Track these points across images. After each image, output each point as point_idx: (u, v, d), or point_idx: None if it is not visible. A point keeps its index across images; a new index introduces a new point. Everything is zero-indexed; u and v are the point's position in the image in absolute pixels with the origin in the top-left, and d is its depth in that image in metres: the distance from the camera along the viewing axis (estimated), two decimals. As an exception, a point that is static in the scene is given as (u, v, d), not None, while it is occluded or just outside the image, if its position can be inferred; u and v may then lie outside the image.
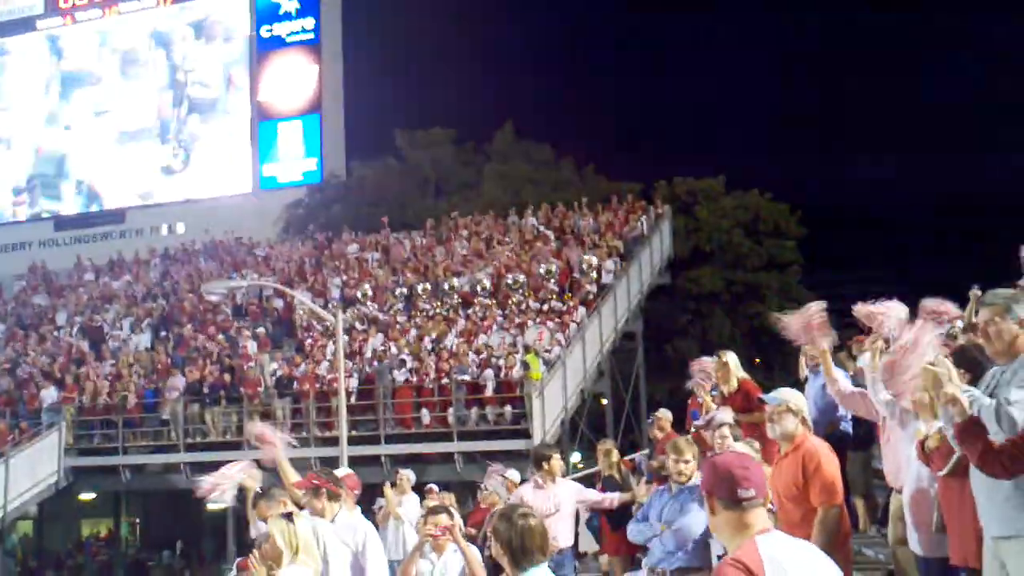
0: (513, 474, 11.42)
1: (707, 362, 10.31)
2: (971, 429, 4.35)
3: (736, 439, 7.54)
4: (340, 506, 6.60)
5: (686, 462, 6.90)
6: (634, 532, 7.17)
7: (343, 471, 7.57)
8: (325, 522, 6.32)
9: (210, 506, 25.78)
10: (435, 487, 12.50)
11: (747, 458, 3.36)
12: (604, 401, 25.37)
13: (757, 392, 8.92)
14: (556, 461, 8.64)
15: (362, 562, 6.40)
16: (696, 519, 6.56)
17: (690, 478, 6.84)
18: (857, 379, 8.21)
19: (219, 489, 7.51)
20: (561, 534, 8.32)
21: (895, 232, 43.37)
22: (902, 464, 6.39)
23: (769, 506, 5.76)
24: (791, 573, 3.04)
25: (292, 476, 7.36)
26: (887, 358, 5.79)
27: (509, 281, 24.63)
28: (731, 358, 9.38)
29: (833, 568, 3.19)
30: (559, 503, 8.42)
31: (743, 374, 9.35)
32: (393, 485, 12.79)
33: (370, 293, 25.79)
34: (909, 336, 5.49)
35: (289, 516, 5.82)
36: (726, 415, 8.26)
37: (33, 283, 34.23)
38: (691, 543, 6.64)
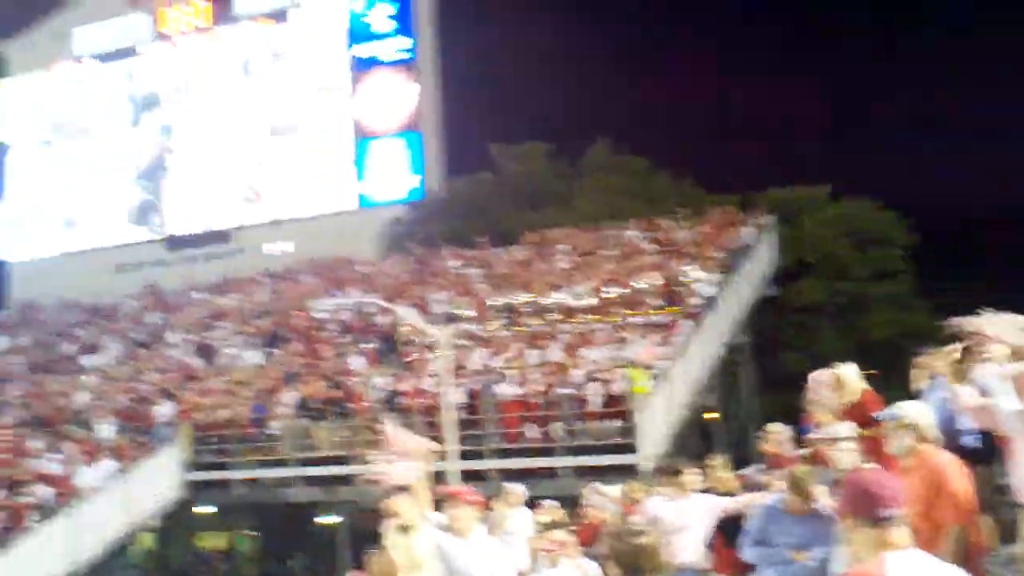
0: (613, 490, 11.27)
1: (824, 375, 10.13)
2: None
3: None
4: (477, 524, 6.66)
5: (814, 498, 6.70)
6: (754, 556, 6.91)
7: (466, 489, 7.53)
8: (457, 539, 6.31)
9: (320, 520, 26.31)
10: (549, 501, 12.45)
11: (885, 473, 3.29)
12: (712, 415, 25.08)
13: (877, 406, 8.71)
14: (688, 475, 8.53)
15: None
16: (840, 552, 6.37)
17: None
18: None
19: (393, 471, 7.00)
20: (686, 550, 8.20)
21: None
22: None
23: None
24: None
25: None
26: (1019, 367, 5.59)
27: (609, 294, 24.61)
28: (848, 371, 9.16)
29: None
30: (690, 518, 8.29)
31: (863, 386, 9.12)
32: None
33: (471, 308, 26.01)
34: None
35: (406, 530, 5.83)
36: (847, 429, 8.07)
37: (147, 302, 35.35)
38: None
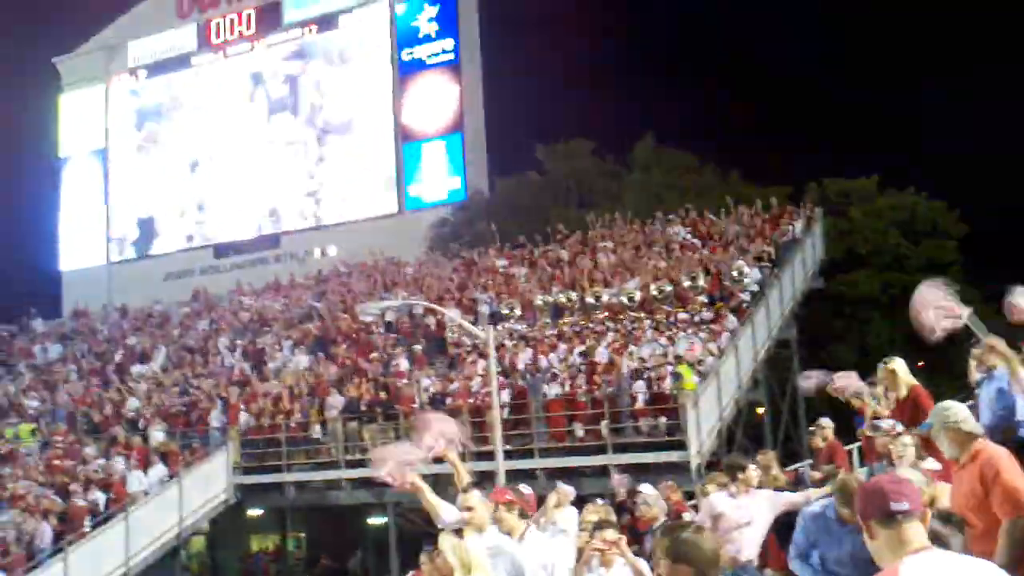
0: (649, 489, 11.03)
1: (853, 379, 9.95)
2: None
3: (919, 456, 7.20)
4: (529, 525, 6.56)
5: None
6: (801, 570, 6.50)
7: (524, 489, 7.42)
8: (512, 540, 6.25)
9: (369, 521, 26.40)
10: (599, 500, 12.34)
11: (897, 476, 3.21)
12: (761, 410, 24.78)
13: (929, 403, 8.47)
14: (752, 471, 8.45)
15: None
16: None
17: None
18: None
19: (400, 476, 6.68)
20: (747, 546, 8.13)
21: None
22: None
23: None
24: None
25: (465, 480, 6.92)
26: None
27: (655, 292, 24.43)
28: (899, 364, 8.94)
29: None
30: (753, 514, 8.21)
31: (913, 380, 8.90)
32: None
33: (518, 308, 25.96)
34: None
35: (459, 532, 5.80)
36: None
37: (196, 309, 35.75)
38: None
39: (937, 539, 4.08)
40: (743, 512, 8.06)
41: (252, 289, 36.28)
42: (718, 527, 8.00)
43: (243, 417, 25.18)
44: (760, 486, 9.93)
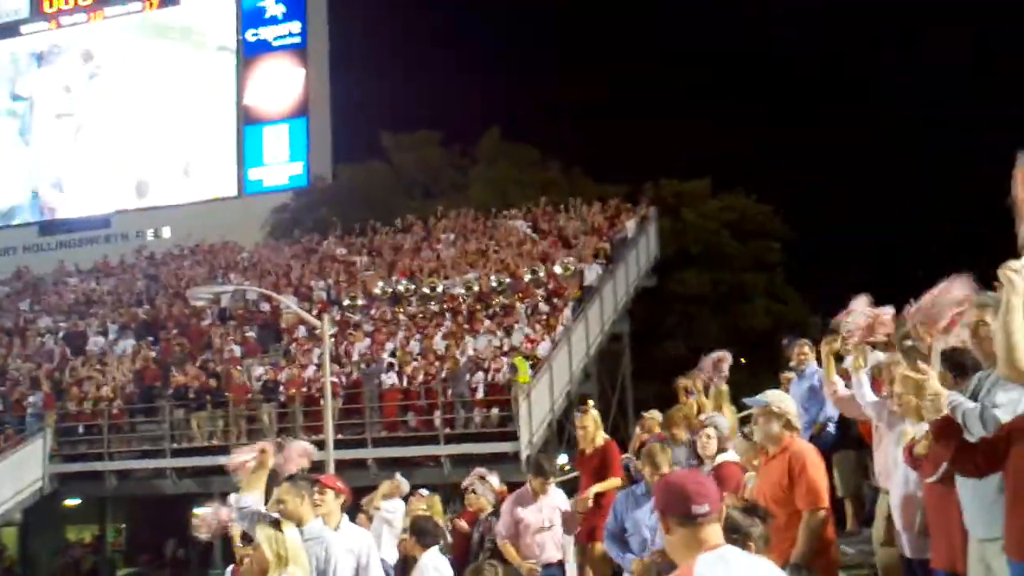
0: (494, 479, 11.22)
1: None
2: (946, 428, 4.33)
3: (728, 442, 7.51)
4: (344, 513, 6.53)
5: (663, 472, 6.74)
6: (614, 554, 7.06)
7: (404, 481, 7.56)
8: (329, 529, 6.22)
9: (197, 511, 25.63)
10: (424, 491, 12.38)
11: (700, 474, 3.33)
12: (590, 403, 25.34)
13: (617, 459, 8.94)
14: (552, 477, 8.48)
15: (361, 572, 6.30)
16: None
17: None
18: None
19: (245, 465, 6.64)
20: (549, 549, 8.15)
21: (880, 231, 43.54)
22: (890, 466, 6.38)
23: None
24: None
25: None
26: (915, 311, 5.55)
27: (495, 284, 24.67)
28: (594, 415, 9.22)
29: None
30: (552, 516, 8.21)
31: (604, 436, 9.14)
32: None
33: (356, 296, 25.75)
34: (942, 285, 5.34)
35: (277, 523, 5.71)
36: (721, 420, 8.16)
37: (17, 288, 34.05)
38: None
39: (738, 530, 4.24)
40: (543, 515, 8.09)
41: (78, 270, 34.78)
42: (519, 533, 8.07)
43: (64, 403, 24.12)
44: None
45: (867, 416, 7.12)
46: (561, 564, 8.35)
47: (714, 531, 3.13)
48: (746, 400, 6.65)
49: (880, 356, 8.82)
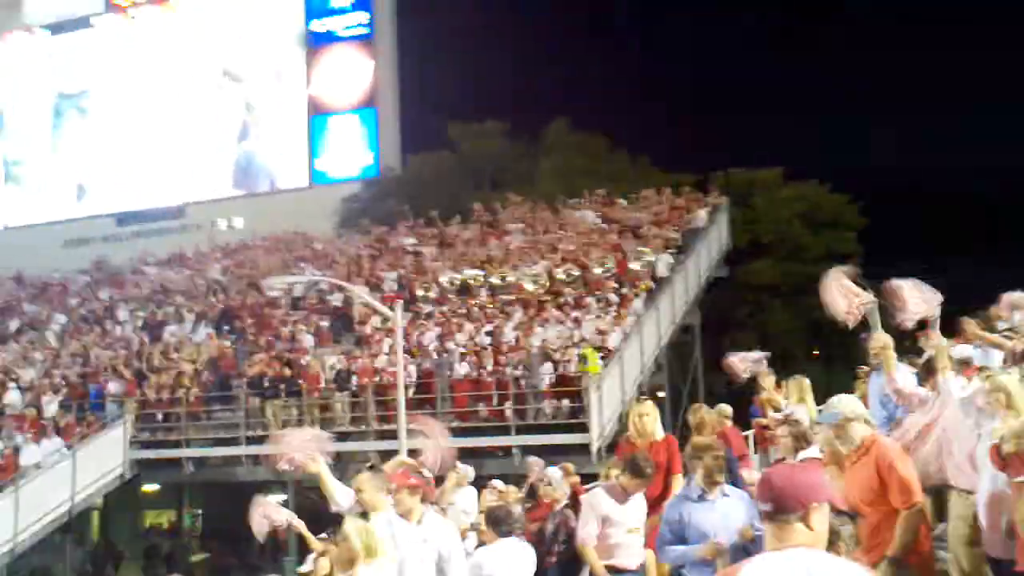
0: (553, 471, 11.00)
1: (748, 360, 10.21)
2: None
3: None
4: (428, 507, 6.55)
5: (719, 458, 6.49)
6: (672, 556, 6.41)
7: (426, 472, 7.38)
8: (404, 522, 6.22)
9: (270, 498, 26.05)
10: (497, 482, 12.36)
11: (804, 469, 3.25)
12: (662, 395, 25.21)
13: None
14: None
15: (444, 566, 6.27)
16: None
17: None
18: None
19: (295, 460, 6.91)
20: (638, 552, 7.54)
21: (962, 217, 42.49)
22: (977, 464, 6.25)
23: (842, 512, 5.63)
24: None
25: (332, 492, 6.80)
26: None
27: (563, 275, 24.61)
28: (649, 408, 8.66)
29: None
30: (640, 516, 7.55)
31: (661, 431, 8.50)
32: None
33: (426, 287, 25.89)
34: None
35: (365, 515, 5.78)
36: (801, 412, 8.03)
37: (97, 278, 34.83)
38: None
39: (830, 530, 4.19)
40: (634, 516, 7.49)
41: (155, 260, 35.48)
42: (605, 531, 7.40)
43: (143, 391, 24.64)
44: None
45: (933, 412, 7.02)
46: (643, 567, 7.75)
47: (796, 531, 3.08)
48: (818, 419, 6.51)
49: (969, 350, 8.68)
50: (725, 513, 6.24)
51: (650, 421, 8.37)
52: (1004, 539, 5.82)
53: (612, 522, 7.33)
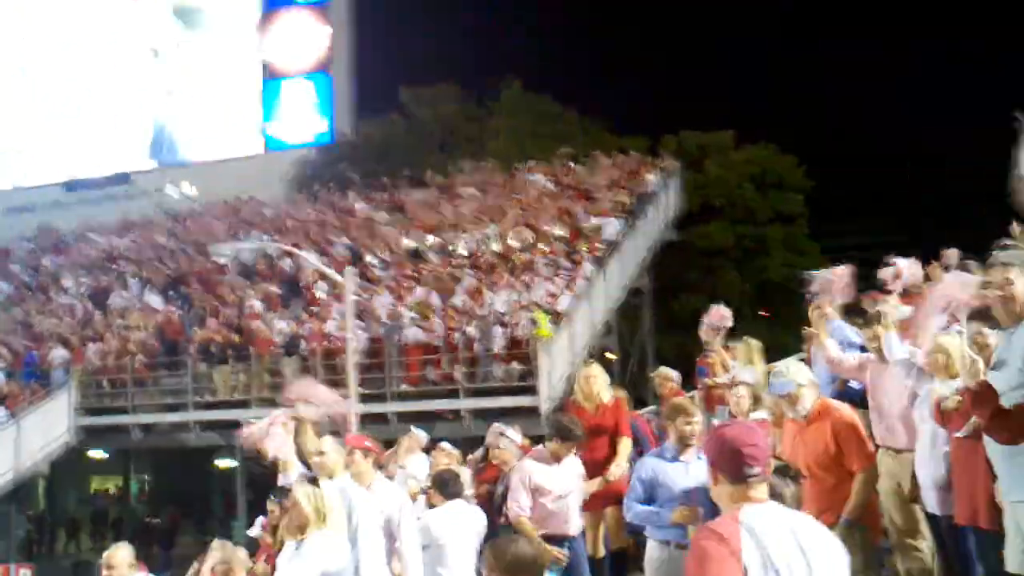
0: (516, 434, 11.02)
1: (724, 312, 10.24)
2: (982, 394, 4.28)
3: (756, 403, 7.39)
4: (377, 472, 6.54)
5: (694, 423, 6.29)
6: (641, 516, 6.20)
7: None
8: (360, 487, 6.20)
9: (219, 463, 25.93)
10: (446, 444, 12.33)
11: (755, 432, 3.27)
12: (611, 357, 25.32)
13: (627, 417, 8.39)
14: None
15: (394, 530, 6.25)
16: None
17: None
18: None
19: (262, 440, 6.96)
20: (575, 518, 7.30)
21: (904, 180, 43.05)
22: (915, 423, 6.29)
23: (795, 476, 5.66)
24: (768, 544, 2.98)
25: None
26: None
27: (514, 239, 24.56)
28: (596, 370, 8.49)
29: (824, 541, 3.10)
30: (575, 482, 7.30)
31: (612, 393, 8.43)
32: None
33: (377, 252, 25.73)
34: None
35: (315, 480, 5.78)
36: (748, 374, 8.03)
37: (41, 245, 34.23)
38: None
39: (771, 491, 4.21)
40: (568, 480, 7.21)
41: (101, 226, 34.91)
42: (538, 500, 7.09)
43: (88, 358, 24.31)
44: None
45: (860, 378, 7.10)
46: (583, 534, 7.58)
47: (761, 489, 3.17)
48: (770, 391, 6.47)
49: (906, 311, 8.73)
50: (697, 476, 5.91)
51: (597, 383, 8.24)
52: (942, 494, 5.90)
53: (543, 491, 7.05)
